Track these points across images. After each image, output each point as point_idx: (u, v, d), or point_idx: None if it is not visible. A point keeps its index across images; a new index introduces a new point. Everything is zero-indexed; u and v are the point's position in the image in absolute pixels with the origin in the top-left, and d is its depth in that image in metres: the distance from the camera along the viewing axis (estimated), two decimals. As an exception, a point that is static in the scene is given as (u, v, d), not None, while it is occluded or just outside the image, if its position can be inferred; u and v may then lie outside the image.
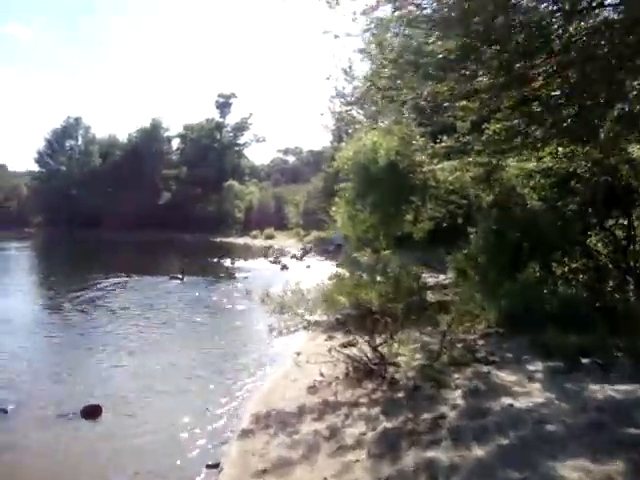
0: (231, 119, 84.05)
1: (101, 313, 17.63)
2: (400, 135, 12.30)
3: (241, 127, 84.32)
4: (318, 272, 27.76)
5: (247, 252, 45.47)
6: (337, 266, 18.03)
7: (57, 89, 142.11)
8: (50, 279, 28.11)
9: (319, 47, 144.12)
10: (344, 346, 8.92)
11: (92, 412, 8.31)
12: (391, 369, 7.98)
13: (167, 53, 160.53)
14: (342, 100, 55.33)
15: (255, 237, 61.90)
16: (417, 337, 8.99)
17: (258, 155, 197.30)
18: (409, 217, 14.10)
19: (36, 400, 9.12)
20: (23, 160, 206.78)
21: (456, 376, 7.58)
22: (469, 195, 13.49)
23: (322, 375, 8.62)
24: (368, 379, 7.94)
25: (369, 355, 8.17)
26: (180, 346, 13.27)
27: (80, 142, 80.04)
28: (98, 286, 23.56)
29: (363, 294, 7.85)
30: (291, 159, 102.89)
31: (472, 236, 12.18)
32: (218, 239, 59.31)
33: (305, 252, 45.97)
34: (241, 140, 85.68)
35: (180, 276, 26.59)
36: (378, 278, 9.01)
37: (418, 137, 12.52)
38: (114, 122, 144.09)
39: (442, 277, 16.70)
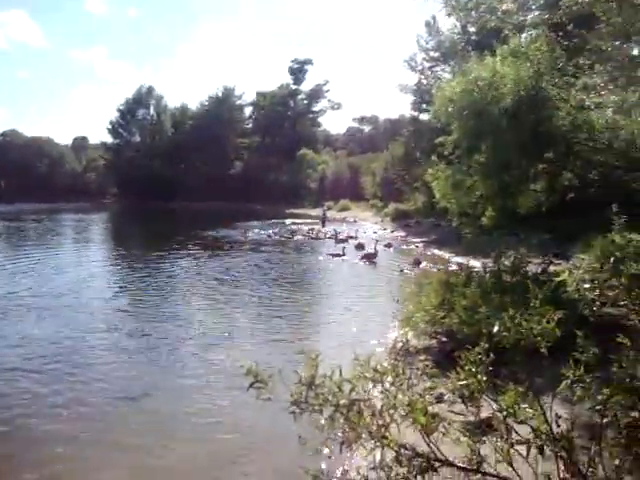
0: (306, 86, 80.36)
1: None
2: (538, 58, 8.12)
3: (316, 94, 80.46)
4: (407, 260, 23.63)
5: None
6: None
7: (132, 60, 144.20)
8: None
9: (396, 9, 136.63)
10: (481, 427, 3.73)
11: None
12: None
13: (239, 18, 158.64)
14: (425, 56, 48.87)
15: (329, 208, 58.41)
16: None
17: (333, 124, 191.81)
18: (539, 185, 9.89)
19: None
20: (102, 133, 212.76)
21: None
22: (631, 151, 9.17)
23: None
24: None
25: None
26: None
27: (152, 112, 77.81)
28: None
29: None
30: (367, 128, 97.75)
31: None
32: (290, 210, 56.40)
33: (324, 218, 41.56)
34: (316, 108, 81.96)
35: (342, 253, 23.21)
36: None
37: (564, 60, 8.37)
38: (186, 91, 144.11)
39: (567, 266, 12.55)
